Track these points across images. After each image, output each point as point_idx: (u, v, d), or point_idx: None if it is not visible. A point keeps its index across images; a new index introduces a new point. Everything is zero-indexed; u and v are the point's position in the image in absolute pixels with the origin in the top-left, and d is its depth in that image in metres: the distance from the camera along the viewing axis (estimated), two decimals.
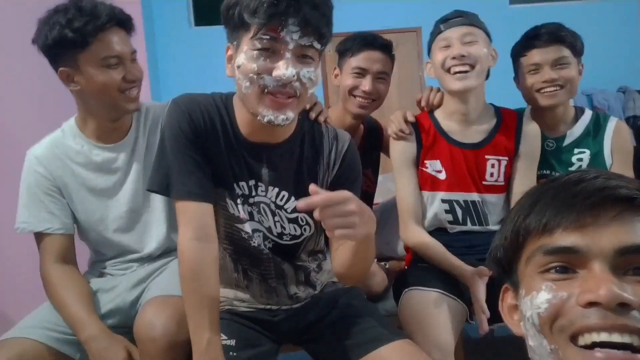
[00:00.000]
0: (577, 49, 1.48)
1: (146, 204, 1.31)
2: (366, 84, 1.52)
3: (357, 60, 1.53)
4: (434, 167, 1.39)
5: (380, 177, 1.81)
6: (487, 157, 1.38)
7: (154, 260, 1.33)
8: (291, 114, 0.96)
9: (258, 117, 0.96)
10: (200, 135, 1.01)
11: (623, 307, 0.46)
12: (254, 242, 1.09)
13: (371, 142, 1.67)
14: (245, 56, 0.92)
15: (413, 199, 1.40)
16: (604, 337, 0.47)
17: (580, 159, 1.48)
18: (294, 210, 1.07)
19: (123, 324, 1.23)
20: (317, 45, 0.93)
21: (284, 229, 1.10)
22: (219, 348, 0.95)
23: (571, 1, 5.06)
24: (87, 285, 1.27)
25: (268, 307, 1.17)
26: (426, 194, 1.41)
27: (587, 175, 0.53)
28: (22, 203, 1.27)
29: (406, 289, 1.30)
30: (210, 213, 1.02)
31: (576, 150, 1.48)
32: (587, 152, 1.48)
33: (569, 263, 0.51)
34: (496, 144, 1.39)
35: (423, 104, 1.48)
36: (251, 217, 1.08)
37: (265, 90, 0.93)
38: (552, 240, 0.51)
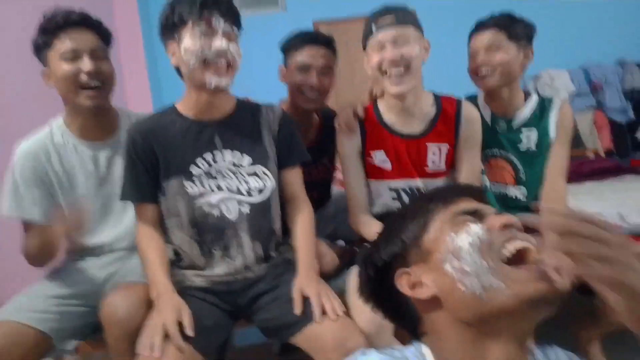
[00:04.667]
0: (516, 34, 1.54)
1: (119, 202, 1.43)
2: (312, 79, 1.62)
3: (301, 56, 1.64)
4: (379, 157, 1.50)
5: None
6: (427, 144, 1.45)
7: (122, 252, 1.47)
8: (229, 80, 1.30)
9: (205, 85, 1.27)
10: (146, 149, 1.30)
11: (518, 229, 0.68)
12: (217, 212, 1.30)
13: (327, 131, 1.72)
14: (190, 41, 1.24)
15: (361, 190, 1.50)
16: (519, 243, 0.64)
17: (528, 137, 1.59)
18: (250, 163, 1.33)
19: (93, 304, 1.33)
20: (236, 30, 1.30)
21: (248, 183, 1.33)
22: (169, 296, 1.19)
23: None
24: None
25: (225, 279, 1.30)
26: (374, 182, 1.50)
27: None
28: (7, 190, 1.40)
29: (354, 268, 1.36)
30: (152, 209, 1.33)
31: (524, 130, 1.60)
32: (535, 131, 1.59)
33: (475, 216, 0.70)
34: (437, 132, 1.46)
35: (379, 95, 1.57)
36: (219, 189, 1.30)
37: (206, 61, 1.25)
38: (459, 206, 0.71)
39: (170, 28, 1.28)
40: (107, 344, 1.22)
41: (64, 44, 1.35)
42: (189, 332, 1.12)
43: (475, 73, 1.58)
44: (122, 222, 1.47)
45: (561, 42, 4.69)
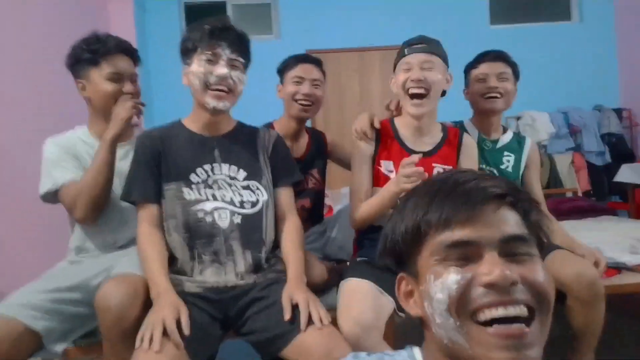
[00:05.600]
0: (516, 73, 1.83)
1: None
2: (305, 88, 1.85)
3: (295, 71, 1.88)
4: (387, 167, 1.59)
5: (343, 190, 1.98)
6: (434, 165, 1.57)
7: (121, 248, 1.53)
8: (228, 104, 1.43)
9: (205, 105, 1.40)
10: (154, 153, 1.41)
11: (512, 285, 0.57)
12: (210, 219, 1.36)
13: (316, 147, 1.98)
14: (196, 65, 1.40)
15: (367, 187, 1.58)
16: (501, 311, 0.56)
17: (508, 160, 1.81)
18: (244, 178, 1.43)
19: (86, 300, 1.35)
20: (241, 59, 1.43)
21: (242, 196, 1.41)
22: (169, 295, 1.21)
23: (549, 22, 5.25)
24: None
25: (216, 285, 1.32)
26: (378, 189, 1.57)
27: (467, 177, 0.64)
28: (45, 172, 1.52)
29: (344, 280, 1.44)
30: (154, 209, 1.39)
31: (505, 153, 1.83)
32: (513, 156, 1.82)
33: (466, 253, 0.60)
34: (442, 154, 1.60)
35: (392, 107, 1.76)
36: (214, 198, 1.38)
37: (208, 84, 1.39)
38: (452, 235, 0.61)
39: (185, 53, 1.44)
40: (100, 333, 1.23)
41: (111, 66, 1.56)
42: (186, 330, 1.14)
43: (481, 95, 1.78)
44: (128, 222, 1.54)
45: (543, 86, 4.89)
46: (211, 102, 1.39)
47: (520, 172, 1.82)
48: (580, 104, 4.93)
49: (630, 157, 4.73)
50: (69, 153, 1.55)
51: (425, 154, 1.57)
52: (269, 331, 1.24)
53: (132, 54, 1.64)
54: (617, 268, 1.94)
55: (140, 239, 1.35)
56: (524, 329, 0.56)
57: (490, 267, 0.57)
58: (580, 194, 4.42)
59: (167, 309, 1.16)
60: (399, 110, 1.71)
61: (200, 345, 1.19)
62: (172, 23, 4.92)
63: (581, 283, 1.39)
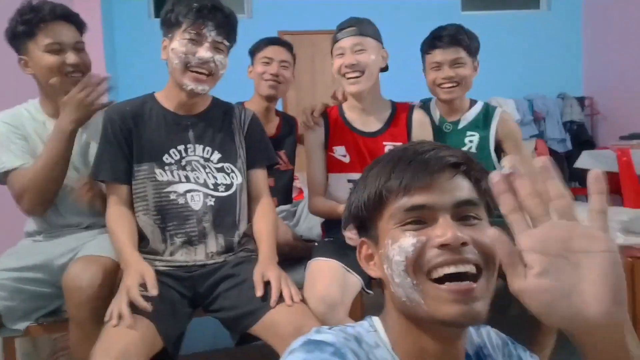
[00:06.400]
0: (472, 50, 1.72)
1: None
2: (273, 68, 1.93)
3: (264, 52, 1.95)
4: (340, 152, 1.63)
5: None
6: (384, 143, 1.61)
7: (88, 229, 1.49)
8: (207, 87, 1.36)
9: (183, 87, 1.34)
10: (124, 130, 1.34)
11: (463, 245, 0.61)
12: (182, 201, 1.34)
13: (287, 130, 2.04)
14: (178, 43, 1.31)
15: (320, 177, 1.63)
16: (452, 269, 0.61)
17: (471, 141, 1.75)
18: (219, 160, 1.39)
19: (49, 280, 1.34)
20: (226, 42, 1.36)
21: (216, 179, 1.38)
22: (134, 263, 1.20)
23: (518, 9, 5.35)
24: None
25: (185, 264, 1.33)
26: (334, 175, 1.62)
27: (425, 147, 0.68)
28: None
29: (311, 260, 1.46)
30: (124, 189, 1.35)
31: (468, 133, 1.76)
32: (477, 135, 1.74)
33: (422, 217, 0.64)
34: (391, 132, 1.63)
35: (339, 96, 1.78)
36: (187, 180, 1.35)
37: (188, 66, 1.32)
38: (411, 200, 0.65)
39: (167, 24, 1.35)
40: (68, 313, 1.22)
41: (49, 37, 1.40)
42: (153, 291, 1.13)
43: (437, 84, 1.72)
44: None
45: (510, 73, 5.00)
46: (190, 84, 1.33)
47: (490, 149, 1.74)
48: (544, 92, 5.06)
49: (590, 144, 4.91)
50: (17, 133, 1.44)
51: (374, 133, 1.61)
52: (239, 308, 1.25)
53: (72, 19, 1.47)
54: None
55: (110, 219, 1.32)
56: (472, 285, 0.60)
57: (444, 230, 0.62)
58: None
59: (131, 276, 1.15)
60: (344, 97, 1.74)
61: (169, 322, 1.19)
62: None
63: None
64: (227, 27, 1.35)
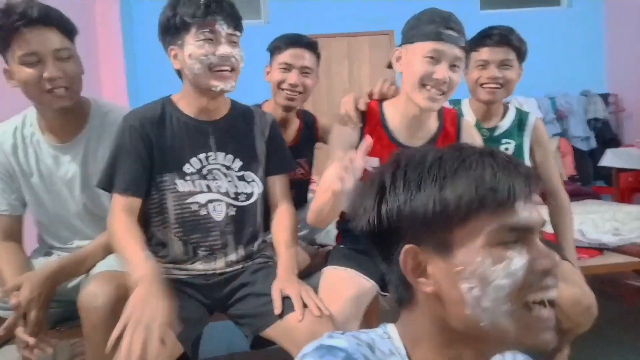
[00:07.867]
0: (522, 54, 1.65)
1: (96, 201, 1.39)
2: (292, 77, 1.70)
3: (283, 57, 1.72)
4: (373, 163, 1.30)
5: None
6: None
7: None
8: (233, 83, 1.29)
9: (211, 89, 1.26)
10: (144, 138, 1.26)
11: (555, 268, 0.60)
12: (204, 212, 1.29)
13: (307, 134, 1.83)
14: (194, 47, 1.23)
15: None
16: (554, 294, 0.59)
17: (506, 148, 1.67)
18: (240, 168, 1.34)
19: (61, 298, 1.29)
20: (237, 33, 1.29)
21: (237, 187, 1.33)
22: (152, 284, 1.09)
23: (538, 7, 5.26)
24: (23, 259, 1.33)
25: (204, 272, 1.30)
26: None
27: (502, 156, 0.61)
28: None
29: (325, 268, 1.40)
30: (137, 202, 1.27)
31: (504, 141, 1.69)
32: (513, 143, 1.68)
33: (521, 237, 0.59)
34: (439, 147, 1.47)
35: (376, 97, 1.49)
36: (209, 189, 1.30)
37: (211, 67, 1.24)
38: (518, 217, 0.58)
39: (171, 31, 1.26)
40: (84, 332, 1.16)
41: (22, 47, 1.19)
42: (176, 330, 1.07)
43: (481, 84, 1.62)
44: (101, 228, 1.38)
45: (531, 71, 4.90)
46: (218, 84, 1.25)
47: (525, 157, 1.67)
48: (567, 90, 4.96)
49: (614, 142, 4.78)
50: (5, 170, 1.31)
51: None
52: (256, 309, 1.24)
53: (54, 22, 1.22)
54: (599, 249, 2.00)
55: (116, 229, 1.19)
56: (553, 311, 0.60)
57: (547, 253, 0.59)
58: (565, 179, 4.47)
59: (151, 309, 1.01)
60: (386, 95, 1.49)
61: (188, 329, 1.18)
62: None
63: (576, 311, 1.37)
64: (235, 17, 1.28)
